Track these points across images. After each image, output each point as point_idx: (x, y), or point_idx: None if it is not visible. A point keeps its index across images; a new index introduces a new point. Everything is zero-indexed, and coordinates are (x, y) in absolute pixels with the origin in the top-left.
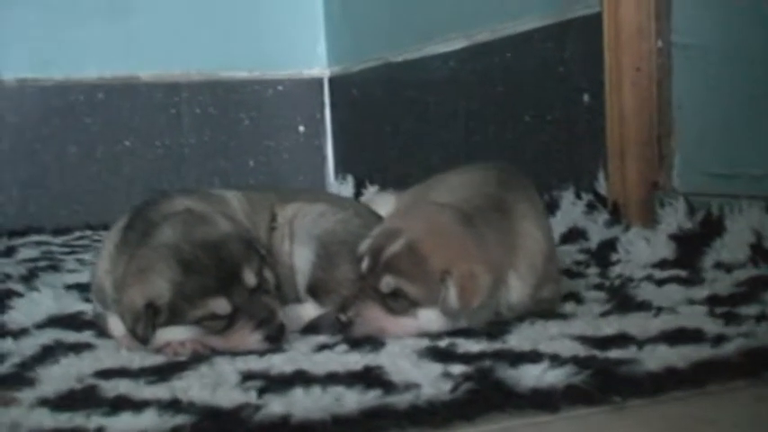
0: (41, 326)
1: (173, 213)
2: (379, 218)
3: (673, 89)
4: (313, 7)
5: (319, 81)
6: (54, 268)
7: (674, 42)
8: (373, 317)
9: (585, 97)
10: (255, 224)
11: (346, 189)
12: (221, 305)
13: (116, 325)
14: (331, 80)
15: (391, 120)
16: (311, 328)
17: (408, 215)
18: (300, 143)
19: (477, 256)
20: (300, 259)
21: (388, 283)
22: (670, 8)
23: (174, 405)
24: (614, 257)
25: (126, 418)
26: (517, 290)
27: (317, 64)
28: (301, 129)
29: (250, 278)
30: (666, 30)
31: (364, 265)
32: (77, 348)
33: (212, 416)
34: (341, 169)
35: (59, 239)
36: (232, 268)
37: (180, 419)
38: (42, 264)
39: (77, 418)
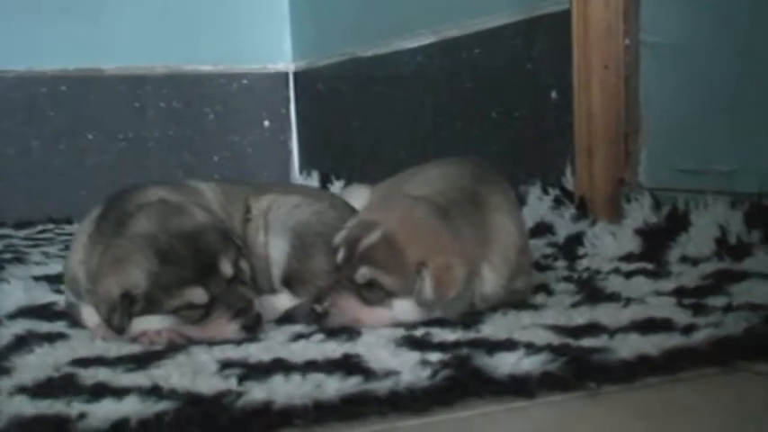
0: (12, 316)
1: (147, 204)
2: (353, 210)
3: (640, 87)
4: (279, 1)
5: (284, 75)
6: (19, 260)
7: (642, 41)
8: (348, 307)
9: (553, 94)
10: (230, 215)
11: (311, 184)
12: (198, 295)
13: (90, 315)
14: (296, 74)
15: (358, 115)
16: (286, 318)
17: (384, 207)
18: (265, 138)
19: (453, 249)
20: (275, 250)
21: (363, 274)
22: (638, 6)
23: (155, 392)
24: (581, 251)
25: (108, 405)
26: (491, 281)
27: (282, 58)
28: (266, 123)
29: (227, 268)
30: (634, 28)
31: (340, 256)
32: (51, 338)
33: (194, 402)
34: (306, 164)
35: (22, 233)
36: (209, 258)
37: (162, 406)
38: (7, 256)
39: (58, 405)
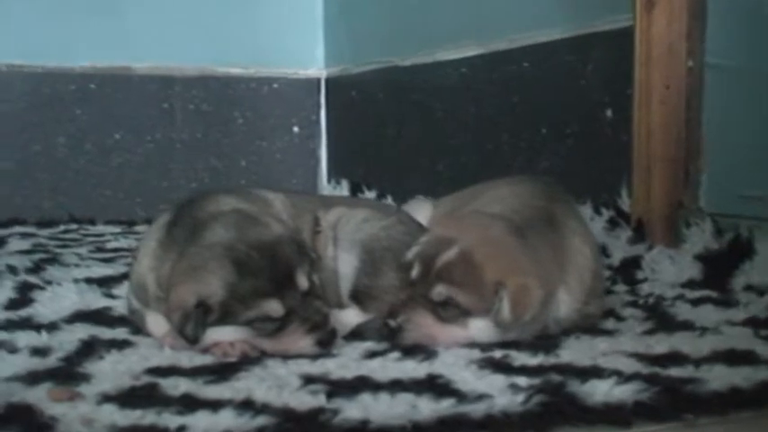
0: (70, 321)
1: (222, 213)
2: (420, 226)
3: (703, 108)
4: (312, 6)
5: (316, 81)
6: (57, 262)
7: (707, 63)
8: (423, 324)
9: (609, 112)
10: (299, 228)
11: (340, 194)
12: (275, 307)
13: (157, 323)
14: (328, 81)
15: (393, 124)
16: (356, 333)
17: (459, 224)
18: (294, 144)
19: (531, 270)
20: (344, 264)
21: (440, 292)
22: (704, 29)
23: (248, 406)
24: (640, 275)
25: (204, 417)
26: (566, 305)
27: (314, 64)
28: (296, 130)
29: (302, 281)
30: (699, 50)
31: (414, 272)
32: (118, 345)
33: (291, 419)
34: (335, 173)
35: (45, 232)
36: (286, 270)
37: (261, 421)
38: (42, 256)
39: (150, 416)
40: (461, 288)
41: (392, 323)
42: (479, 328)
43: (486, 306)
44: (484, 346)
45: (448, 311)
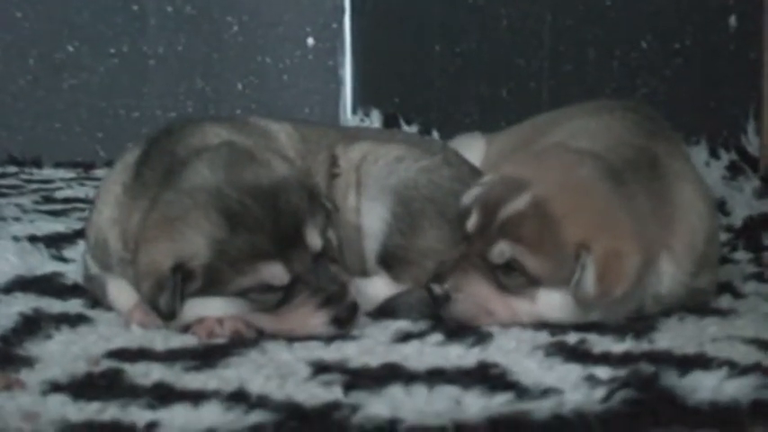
0: (8, 290)
1: (207, 147)
2: (474, 169)
3: None
4: None
5: None
6: None
7: None
8: (478, 293)
9: (732, 20)
10: (311, 169)
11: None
12: (277, 273)
13: (122, 293)
14: None
15: (442, 37)
16: (385, 309)
17: (536, 161)
18: (308, 62)
19: (627, 229)
20: (371, 219)
21: (502, 251)
22: None
23: (240, 398)
24: None
25: (183, 412)
26: (670, 277)
27: None
28: (310, 42)
29: (314, 239)
30: None
31: (471, 223)
32: (71, 321)
33: (297, 416)
34: (363, 101)
35: None
36: (292, 224)
37: (256, 417)
38: None
39: (111, 410)
40: (531, 248)
41: (437, 289)
42: (552, 303)
43: (563, 274)
44: (554, 328)
45: (511, 278)
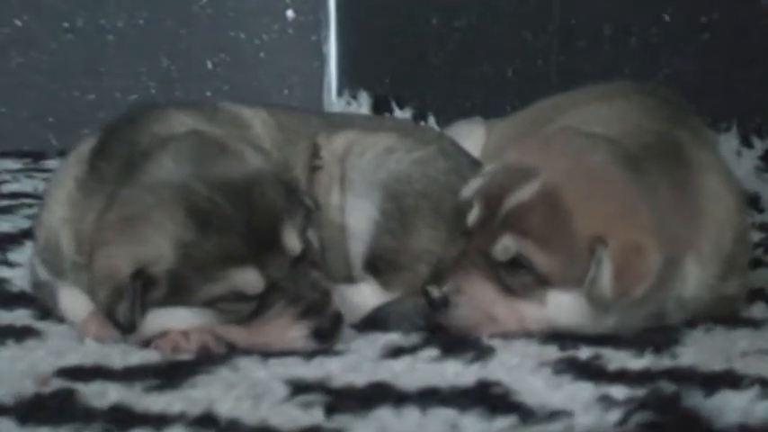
0: None
1: (172, 137)
2: (473, 160)
3: None
4: None
5: None
6: None
7: None
8: (480, 296)
9: None
10: (289, 161)
11: (356, 113)
12: (251, 279)
13: (75, 302)
14: None
15: (438, 8)
16: (373, 321)
17: (544, 147)
18: (288, 37)
19: (647, 222)
20: (357, 217)
21: (506, 246)
22: None
23: (208, 422)
24: None
25: None
26: (695, 279)
27: None
28: (290, 14)
29: (293, 241)
30: None
31: (472, 216)
32: (16, 334)
33: None
34: (350, 81)
35: None
36: (268, 224)
37: None
38: None
39: None
40: (539, 243)
41: (434, 292)
42: (563, 305)
43: (575, 272)
44: (564, 341)
45: (517, 278)
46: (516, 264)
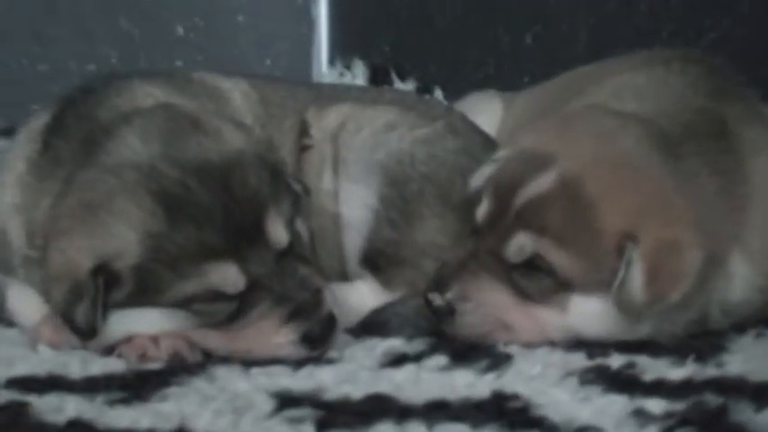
0: None
1: (137, 111)
2: (487, 138)
3: None
4: None
5: None
6: None
7: None
8: (492, 302)
9: None
10: (273, 139)
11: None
12: (230, 276)
13: (27, 302)
14: None
15: None
16: (372, 324)
17: (563, 128)
18: None
19: (685, 214)
20: (353, 205)
21: (521, 245)
22: None
23: None
24: None
25: None
26: (742, 280)
27: None
28: None
29: (279, 232)
30: None
31: (482, 211)
32: None
33: None
34: (343, 49)
35: None
36: (250, 213)
37: None
38: None
39: None
40: (559, 241)
41: (437, 300)
42: (588, 312)
43: (601, 275)
44: (592, 347)
45: (534, 282)
46: (532, 265)
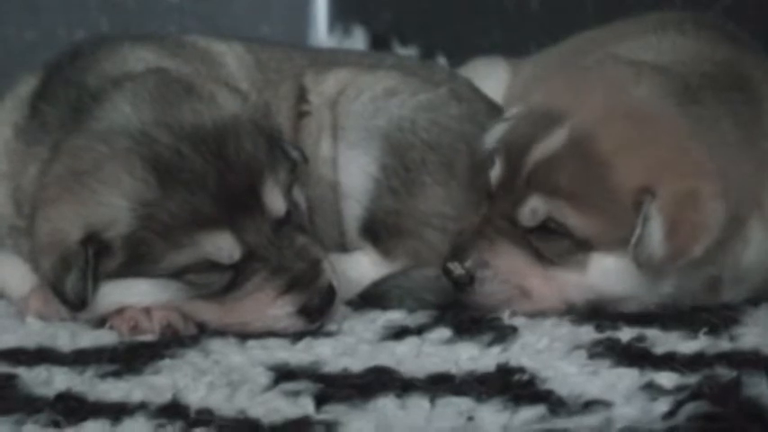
0: None
1: (128, 75)
2: (494, 105)
3: None
4: None
5: None
6: None
7: None
8: (510, 268)
9: None
10: (270, 105)
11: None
12: (225, 246)
13: (14, 273)
14: None
15: None
16: (372, 296)
17: (574, 83)
18: None
19: (706, 162)
20: (352, 173)
21: (534, 208)
22: None
23: (175, 413)
24: None
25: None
26: (758, 245)
27: None
28: None
29: (275, 201)
30: None
31: (495, 173)
32: None
33: None
34: (342, 14)
35: None
36: (245, 181)
37: None
38: None
39: (2, 428)
40: (573, 201)
41: (457, 269)
42: (608, 271)
43: (619, 232)
44: (601, 320)
45: (551, 244)
46: (548, 228)
